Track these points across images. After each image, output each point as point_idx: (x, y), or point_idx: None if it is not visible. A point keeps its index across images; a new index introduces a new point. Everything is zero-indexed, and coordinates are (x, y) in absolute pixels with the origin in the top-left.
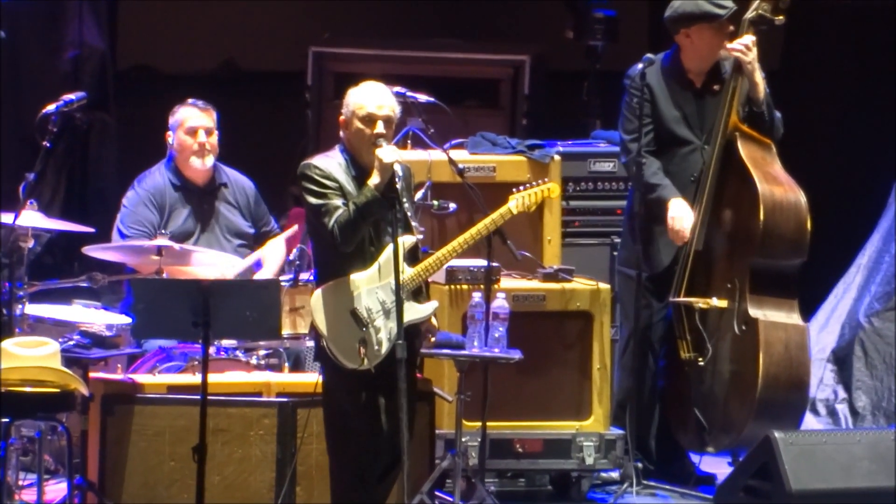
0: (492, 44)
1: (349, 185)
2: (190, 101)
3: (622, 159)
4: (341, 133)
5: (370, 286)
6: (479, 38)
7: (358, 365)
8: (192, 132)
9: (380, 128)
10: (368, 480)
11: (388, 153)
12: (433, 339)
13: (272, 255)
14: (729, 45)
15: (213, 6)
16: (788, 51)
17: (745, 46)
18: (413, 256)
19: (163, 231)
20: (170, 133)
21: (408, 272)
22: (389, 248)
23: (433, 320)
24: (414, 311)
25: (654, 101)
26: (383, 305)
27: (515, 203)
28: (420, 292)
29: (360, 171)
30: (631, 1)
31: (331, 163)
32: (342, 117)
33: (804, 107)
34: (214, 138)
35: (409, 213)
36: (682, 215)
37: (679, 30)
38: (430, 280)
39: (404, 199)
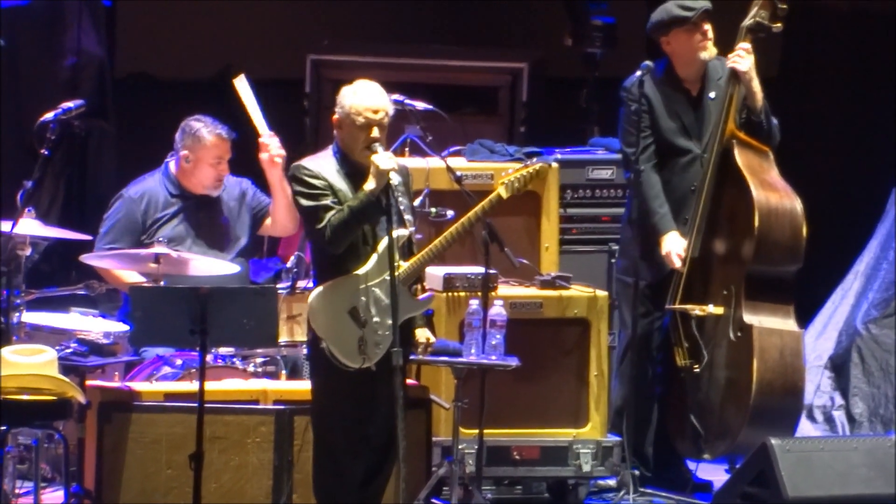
0: (490, 51)
1: (340, 184)
2: (213, 125)
3: (625, 174)
4: (334, 132)
5: (367, 284)
6: (478, 46)
7: (359, 364)
8: (218, 163)
9: (375, 132)
10: (351, 484)
11: (384, 160)
12: (429, 348)
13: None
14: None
15: (212, 13)
16: (786, 58)
17: (740, 55)
18: (408, 250)
19: (161, 239)
20: (187, 152)
21: (403, 266)
22: (384, 245)
23: (430, 337)
24: (411, 305)
25: (651, 112)
26: (380, 303)
27: (505, 187)
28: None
29: (352, 169)
30: (629, 8)
31: (321, 162)
32: (335, 116)
33: (802, 114)
34: None
35: (402, 208)
36: (675, 250)
37: (660, 39)
38: (427, 288)
39: (400, 195)
